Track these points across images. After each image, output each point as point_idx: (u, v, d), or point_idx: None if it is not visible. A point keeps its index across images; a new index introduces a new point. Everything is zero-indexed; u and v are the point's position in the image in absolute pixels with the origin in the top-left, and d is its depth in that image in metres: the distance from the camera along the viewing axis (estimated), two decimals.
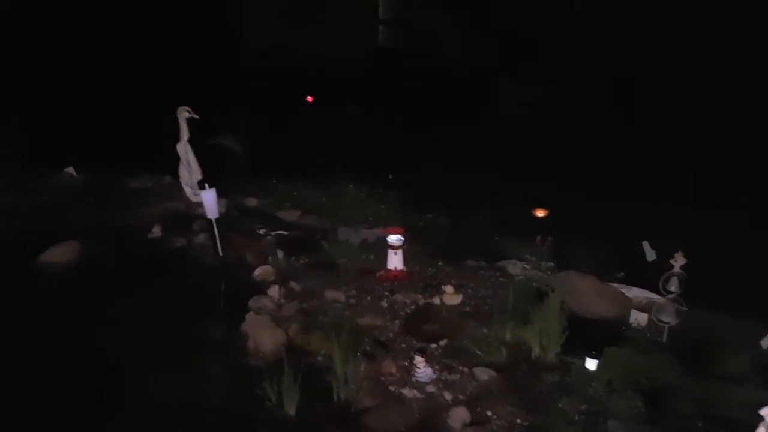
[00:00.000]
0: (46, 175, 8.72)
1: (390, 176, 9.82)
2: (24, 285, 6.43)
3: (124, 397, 4.64)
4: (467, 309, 5.83)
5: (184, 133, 7.90)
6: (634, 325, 5.77)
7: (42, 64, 11.48)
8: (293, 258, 6.80)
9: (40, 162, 8.92)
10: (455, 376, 4.84)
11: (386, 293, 6.07)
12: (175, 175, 8.15)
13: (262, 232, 7.47)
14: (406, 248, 6.46)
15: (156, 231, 7.56)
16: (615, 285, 6.48)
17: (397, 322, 5.61)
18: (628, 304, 6.16)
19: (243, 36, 14.76)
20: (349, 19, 15.89)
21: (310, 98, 14.10)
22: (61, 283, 6.51)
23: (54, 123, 10.08)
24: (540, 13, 13.49)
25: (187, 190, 8.08)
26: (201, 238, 7.35)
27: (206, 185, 6.94)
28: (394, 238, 6.33)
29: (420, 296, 6.04)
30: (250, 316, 5.62)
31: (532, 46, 13.37)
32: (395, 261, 6.38)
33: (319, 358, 5.05)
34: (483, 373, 4.83)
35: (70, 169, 8.89)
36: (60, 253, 6.95)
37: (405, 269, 6.43)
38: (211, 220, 6.98)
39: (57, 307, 5.96)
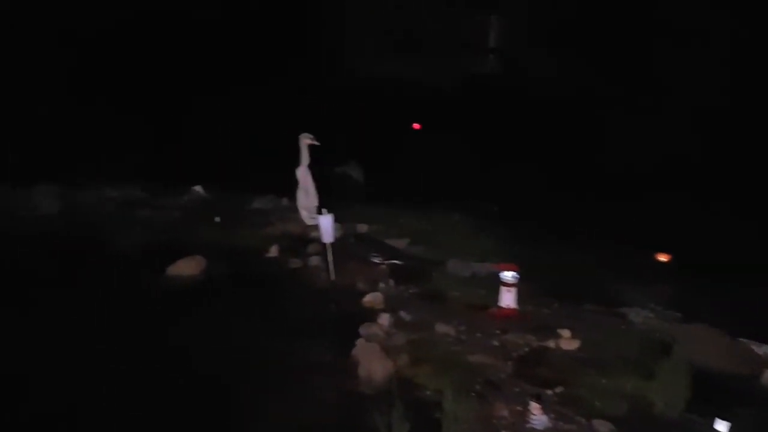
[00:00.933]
0: (176, 193, 9.36)
1: (496, 208, 9.66)
2: (150, 295, 6.91)
3: (231, 417, 4.76)
4: (584, 355, 5.59)
5: (305, 158, 8.23)
6: (766, 386, 5.32)
7: (179, 89, 12.41)
8: (402, 287, 6.85)
9: (172, 179, 9.58)
10: (572, 426, 4.63)
11: (498, 331, 5.95)
12: (293, 198, 8.48)
13: (374, 259, 7.58)
14: (519, 286, 6.34)
15: (273, 251, 7.89)
16: (745, 340, 6.02)
17: (509, 363, 5.47)
18: (760, 361, 5.71)
19: (352, 65, 15.18)
20: (454, 48, 15.96)
21: (417, 125, 14.24)
22: (183, 297, 6.92)
23: (185, 143, 10.87)
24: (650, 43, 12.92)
25: (303, 214, 8.38)
26: (314, 260, 7.58)
27: (323, 210, 7.18)
28: (508, 275, 6.21)
29: (534, 338, 5.88)
30: (360, 343, 5.68)
31: (645, 76, 12.80)
32: (508, 299, 6.25)
33: (428, 393, 5.00)
34: (602, 426, 4.58)
35: (199, 188, 9.51)
36: (186, 267, 7.41)
37: (518, 308, 6.30)
38: (325, 244, 7.21)
39: (176, 321, 6.32)
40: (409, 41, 15.48)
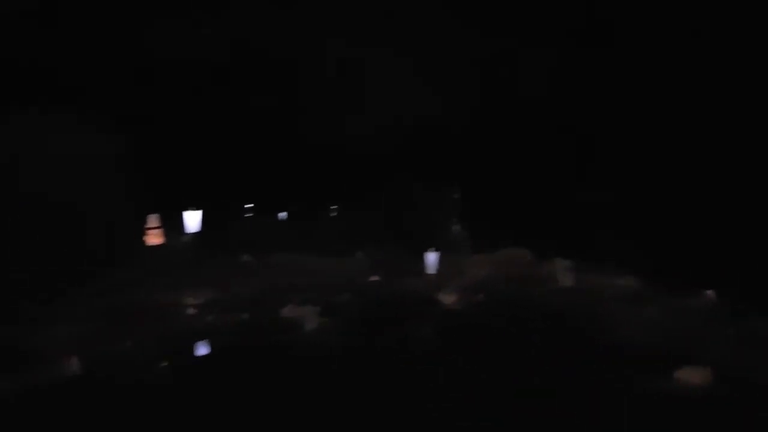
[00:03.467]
0: (686, 296, 9.01)
1: None
2: (645, 399, 6.72)
3: None
4: None
5: None
6: None
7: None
8: None
9: (681, 278, 9.28)
10: None
11: None
12: None
13: None
14: None
15: None
16: None
17: None
18: None
19: None
20: None
21: None
22: (684, 410, 6.51)
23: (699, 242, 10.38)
24: None
25: None
26: None
27: None
28: None
29: None
30: None
31: None
32: None
33: None
34: None
35: (711, 292, 8.95)
36: (691, 375, 7.02)
37: None
38: None
39: None
40: None
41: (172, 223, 10.75)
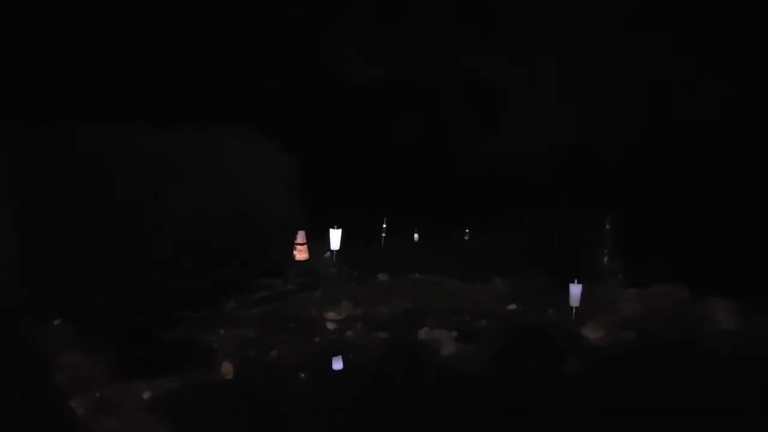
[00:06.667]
0: None
1: None
2: None
3: None
4: None
5: None
6: None
7: None
8: None
9: None
10: None
11: None
12: None
13: None
14: None
15: None
16: None
17: None
18: None
19: None
20: None
21: None
22: None
23: None
24: None
25: None
26: None
27: None
28: None
29: None
30: None
31: None
32: None
33: None
34: None
35: None
36: None
37: None
38: None
39: None
40: None
41: (316, 240, 11.20)
